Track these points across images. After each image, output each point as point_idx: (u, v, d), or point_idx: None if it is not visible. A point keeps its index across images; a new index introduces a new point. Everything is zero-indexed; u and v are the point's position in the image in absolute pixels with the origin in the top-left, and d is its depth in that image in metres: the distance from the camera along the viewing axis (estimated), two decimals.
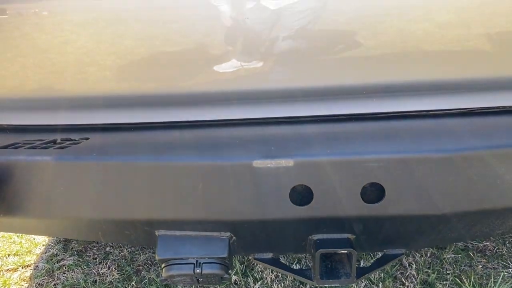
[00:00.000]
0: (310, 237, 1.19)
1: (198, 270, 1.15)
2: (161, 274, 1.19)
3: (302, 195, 1.09)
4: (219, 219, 1.14)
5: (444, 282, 2.14)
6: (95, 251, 2.52)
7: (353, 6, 1.14)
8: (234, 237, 1.19)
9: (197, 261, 1.16)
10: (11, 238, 2.70)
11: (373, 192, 1.08)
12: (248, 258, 2.33)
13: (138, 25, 1.19)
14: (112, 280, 2.27)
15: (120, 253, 2.49)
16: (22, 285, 2.29)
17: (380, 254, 1.30)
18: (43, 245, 2.62)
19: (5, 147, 1.20)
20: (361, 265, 2.17)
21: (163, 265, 1.18)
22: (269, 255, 1.29)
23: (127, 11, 1.19)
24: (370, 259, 2.28)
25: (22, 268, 2.44)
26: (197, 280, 1.20)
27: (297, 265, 2.29)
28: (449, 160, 1.06)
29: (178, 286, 2.12)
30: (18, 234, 2.74)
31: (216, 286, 2.10)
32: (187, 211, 1.13)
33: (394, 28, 1.16)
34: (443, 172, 1.07)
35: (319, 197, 1.07)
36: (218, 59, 1.23)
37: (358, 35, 1.17)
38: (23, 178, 1.14)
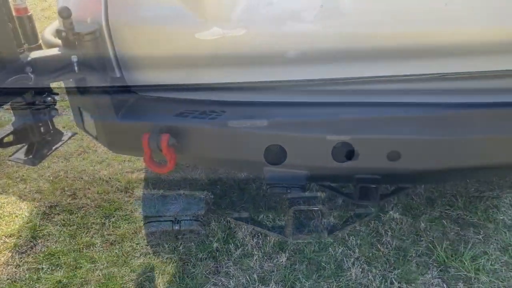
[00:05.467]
0: None
1: None
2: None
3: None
4: None
5: (418, 248, 2.23)
6: None
7: None
8: None
9: None
10: None
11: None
12: (229, 225, 2.40)
13: None
14: None
15: None
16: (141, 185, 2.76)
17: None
18: None
19: (180, 114, 1.61)
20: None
21: None
22: None
23: None
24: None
25: (137, 171, 2.92)
26: None
27: None
28: None
29: None
30: None
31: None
32: None
33: None
34: None
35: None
36: None
37: None
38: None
